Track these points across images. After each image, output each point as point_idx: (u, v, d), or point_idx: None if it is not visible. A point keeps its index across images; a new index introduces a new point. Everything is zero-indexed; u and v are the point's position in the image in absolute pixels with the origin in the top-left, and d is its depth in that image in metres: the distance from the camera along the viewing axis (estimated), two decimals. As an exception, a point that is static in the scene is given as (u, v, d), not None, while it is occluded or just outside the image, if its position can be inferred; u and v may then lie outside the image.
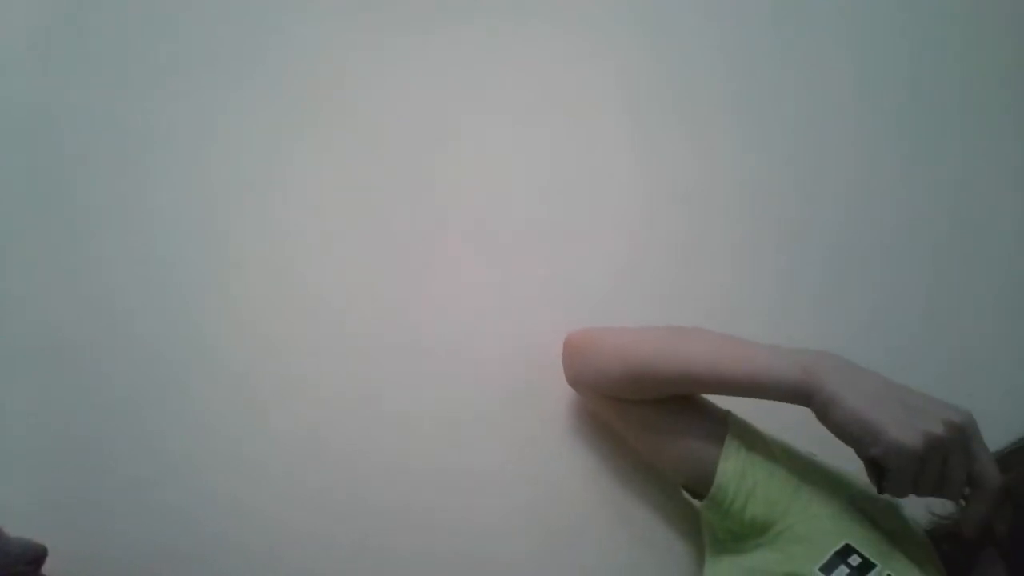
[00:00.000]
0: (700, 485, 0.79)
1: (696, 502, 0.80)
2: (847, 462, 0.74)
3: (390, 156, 0.96)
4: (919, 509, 0.80)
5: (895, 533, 0.75)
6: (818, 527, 0.73)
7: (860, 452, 0.68)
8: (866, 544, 0.72)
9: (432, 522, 0.89)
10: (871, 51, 1.01)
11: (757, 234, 0.97)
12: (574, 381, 0.88)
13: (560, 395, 0.92)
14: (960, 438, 0.66)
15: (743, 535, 0.76)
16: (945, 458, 0.66)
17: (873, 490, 0.70)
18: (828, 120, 1.00)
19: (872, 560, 0.71)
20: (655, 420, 0.82)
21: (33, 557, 0.75)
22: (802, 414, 0.71)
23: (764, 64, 1.01)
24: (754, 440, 0.79)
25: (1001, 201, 0.99)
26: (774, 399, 0.72)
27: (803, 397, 0.70)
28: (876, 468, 0.68)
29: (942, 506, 0.78)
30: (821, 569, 0.71)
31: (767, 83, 1.00)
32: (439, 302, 0.94)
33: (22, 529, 0.77)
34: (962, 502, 0.69)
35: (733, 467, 0.76)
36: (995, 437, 0.75)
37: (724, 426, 0.79)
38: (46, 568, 0.77)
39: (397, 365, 0.92)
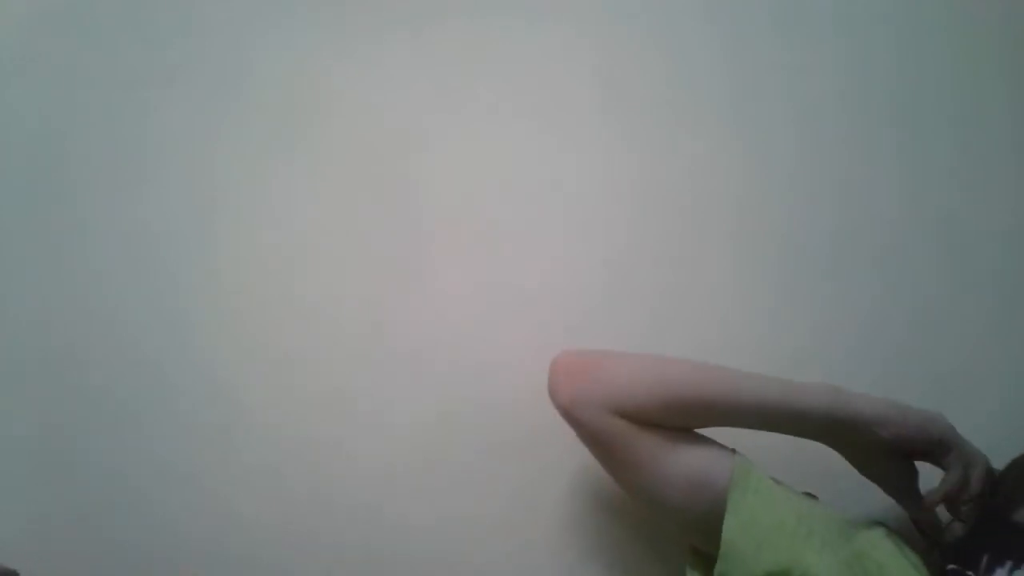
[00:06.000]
0: (708, 530, 0.75)
1: None
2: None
3: (377, 161, 0.97)
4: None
5: None
6: (832, 574, 0.71)
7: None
8: None
9: (423, 527, 0.89)
10: (866, 53, 1.01)
11: (750, 239, 0.96)
12: (574, 402, 0.80)
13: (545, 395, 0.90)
14: None
15: None
16: None
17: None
18: (822, 123, 0.99)
19: None
20: (666, 447, 0.76)
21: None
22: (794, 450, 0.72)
23: (757, 61, 1.00)
24: (760, 483, 0.76)
25: (996, 208, 0.98)
26: (819, 425, 0.74)
27: (859, 420, 0.73)
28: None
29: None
30: None
31: (760, 81, 1.00)
32: (426, 308, 0.94)
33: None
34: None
35: (740, 518, 0.73)
36: (993, 443, 0.76)
37: (731, 461, 0.76)
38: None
39: (384, 370, 0.92)
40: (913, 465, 0.76)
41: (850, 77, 1.00)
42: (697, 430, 0.79)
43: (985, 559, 0.68)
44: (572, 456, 0.90)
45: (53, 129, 0.96)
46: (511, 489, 0.90)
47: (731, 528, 0.73)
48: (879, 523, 0.76)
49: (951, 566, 0.71)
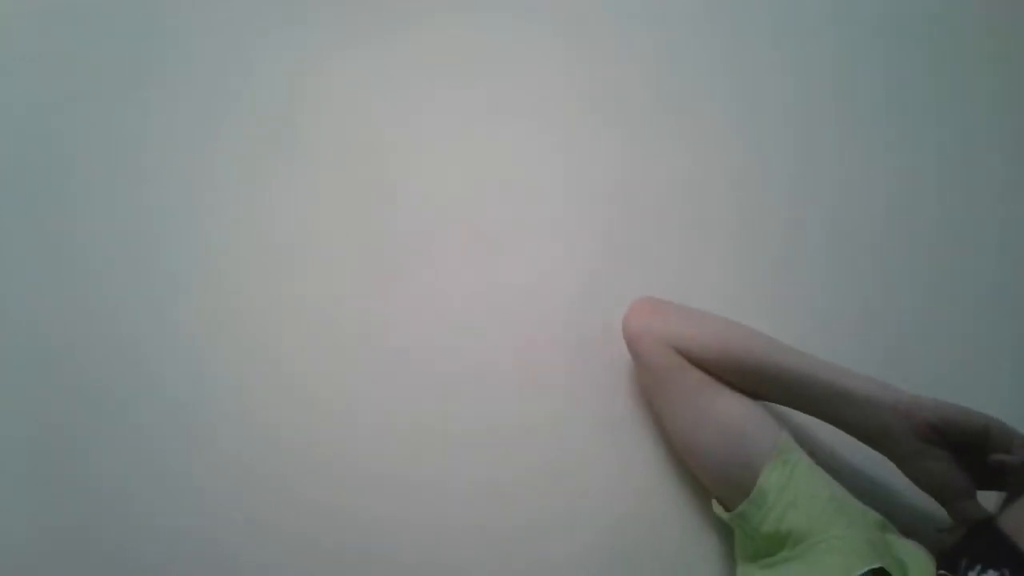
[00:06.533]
0: (737, 482, 0.77)
1: (725, 515, 0.79)
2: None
3: (376, 160, 0.97)
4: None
5: None
6: (855, 547, 0.72)
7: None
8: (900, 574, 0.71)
9: (423, 528, 0.89)
10: (865, 53, 1.01)
11: (750, 239, 0.96)
12: (639, 332, 0.85)
13: (545, 395, 0.91)
14: None
15: (775, 546, 0.75)
16: None
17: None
18: (821, 123, 0.99)
19: None
20: (712, 389, 0.80)
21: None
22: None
23: (757, 61, 1.01)
24: (800, 459, 0.78)
25: (994, 198, 0.98)
26: (868, 414, 0.75)
27: (900, 401, 0.74)
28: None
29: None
30: None
31: (760, 81, 1.00)
32: (426, 308, 0.94)
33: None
34: None
35: (778, 477, 0.76)
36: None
37: (777, 433, 0.79)
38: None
39: (384, 370, 0.92)
40: (954, 462, 0.75)
41: (850, 77, 1.00)
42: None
43: (963, 563, 0.68)
44: (573, 457, 0.90)
45: (53, 129, 0.96)
46: (511, 490, 0.90)
47: (769, 480, 0.75)
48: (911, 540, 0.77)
49: (940, 571, 0.71)
